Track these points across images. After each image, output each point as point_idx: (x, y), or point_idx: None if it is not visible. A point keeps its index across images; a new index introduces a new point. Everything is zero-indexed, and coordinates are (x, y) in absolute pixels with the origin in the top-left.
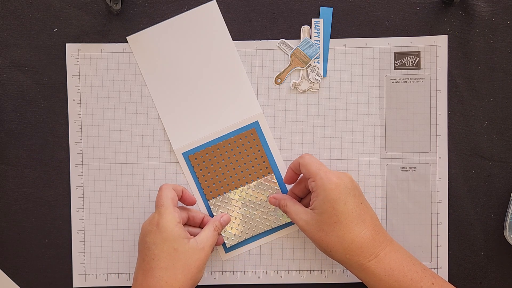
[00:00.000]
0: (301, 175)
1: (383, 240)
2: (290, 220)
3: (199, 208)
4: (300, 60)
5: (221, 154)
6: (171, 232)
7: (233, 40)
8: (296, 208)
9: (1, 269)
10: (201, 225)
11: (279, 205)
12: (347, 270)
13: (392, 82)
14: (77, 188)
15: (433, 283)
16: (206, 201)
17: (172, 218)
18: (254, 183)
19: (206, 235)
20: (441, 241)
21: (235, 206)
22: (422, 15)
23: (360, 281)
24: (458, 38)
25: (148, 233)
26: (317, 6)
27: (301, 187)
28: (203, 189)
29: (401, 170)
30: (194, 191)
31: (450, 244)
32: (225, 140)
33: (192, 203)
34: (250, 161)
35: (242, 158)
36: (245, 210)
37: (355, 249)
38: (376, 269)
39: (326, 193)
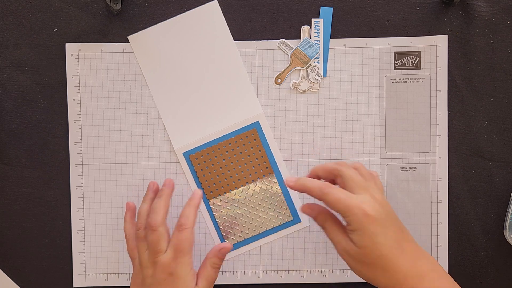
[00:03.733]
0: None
1: (426, 264)
2: (290, 220)
3: (199, 208)
4: (300, 60)
5: (221, 154)
6: (184, 283)
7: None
8: (336, 233)
9: (1, 269)
10: None
11: (315, 218)
12: (347, 270)
13: (392, 82)
14: (77, 188)
15: None
16: (206, 201)
17: (188, 265)
18: (255, 183)
19: (206, 279)
20: (441, 241)
21: (235, 206)
22: (422, 15)
23: (360, 281)
24: (458, 38)
25: (157, 283)
26: (317, 6)
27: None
28: (204, 189)
29: (401, 170)
30: None
31: (450, 244)
32: (226, 140)
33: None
34: (251, 161)
35: (243, 158)
36: (245, 210)
37: (400, 279)
38: None
39: (364, 228)
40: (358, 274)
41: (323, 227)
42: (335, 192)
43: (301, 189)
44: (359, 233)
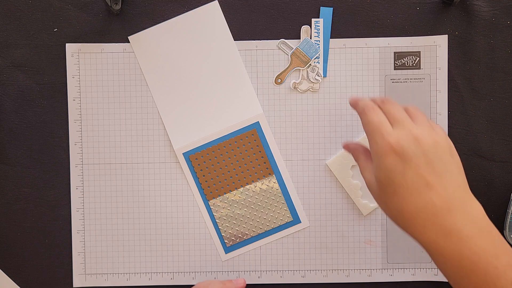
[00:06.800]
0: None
1: (459, 210)
2: (290, 221)
3: (199, 209)
4: (300, 60)
5: (221, 154)
6: None
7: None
8: (365, 168)
9: (1, 269)
10: None
11: (352, 155)
12: (347, 270)
13: (392, 82)
14: (77, 188)
15: None
16: (206, 201)
17: None
18: (255, 183)
19: None
20: None
21: (235, 206)
22: (422, 15)
23: (361, 281)
24: (458, 38)
25: None
26: (317, 6)
27: None
28: (203, 189)
29: None
30: (194, 191)
31: None
32: (226, 141)
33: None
34: (251, 161)
35: (243, 158)
36: (245, 210)
37: (417, 225)
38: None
39: (380, 161)
40: (383, 210)
41: (357, 163)
42: (372, 115)
43: (352, 105)
44: (376, 164)
